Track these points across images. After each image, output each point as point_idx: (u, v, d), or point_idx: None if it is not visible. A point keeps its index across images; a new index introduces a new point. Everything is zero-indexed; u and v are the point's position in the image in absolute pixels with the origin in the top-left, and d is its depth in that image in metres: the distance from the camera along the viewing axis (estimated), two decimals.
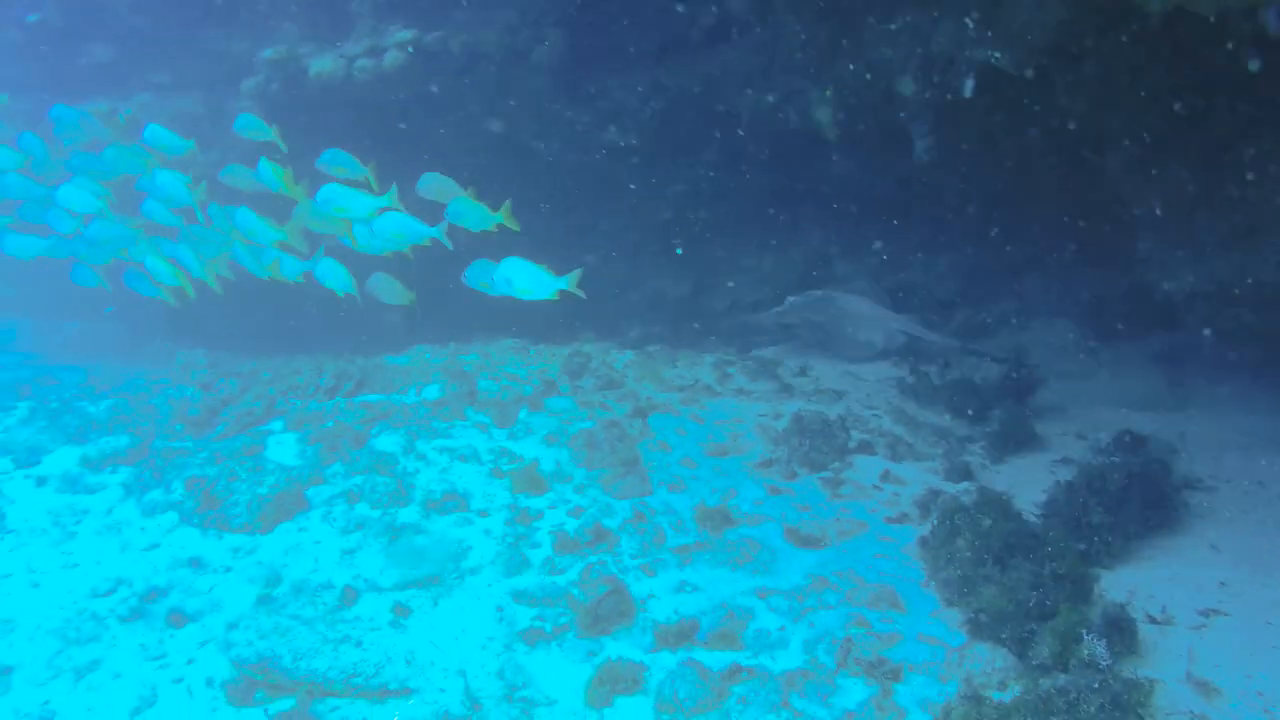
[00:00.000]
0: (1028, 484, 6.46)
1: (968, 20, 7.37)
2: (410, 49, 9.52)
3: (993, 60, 7.23)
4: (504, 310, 12.00)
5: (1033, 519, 5.53)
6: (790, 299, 10.44)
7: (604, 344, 10.85)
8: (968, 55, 7.61)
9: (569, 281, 5.26)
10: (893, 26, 8.61)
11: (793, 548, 5.77)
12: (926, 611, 5.05)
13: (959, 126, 8.58)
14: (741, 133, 11.12)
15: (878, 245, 11.86)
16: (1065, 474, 6.22)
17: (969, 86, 7.75)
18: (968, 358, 9.69)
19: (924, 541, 5.47)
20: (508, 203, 6.13)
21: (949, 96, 8.09)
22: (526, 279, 5.36)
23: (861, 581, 5.32)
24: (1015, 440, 7.46)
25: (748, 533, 5.93)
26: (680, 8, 10.63)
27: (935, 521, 5.44)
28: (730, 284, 12.52)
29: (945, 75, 7.97)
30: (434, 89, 10.07)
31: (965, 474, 6.85)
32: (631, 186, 11.90)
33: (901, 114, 8.71)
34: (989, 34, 7.24)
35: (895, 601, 5.10)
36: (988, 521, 5.05)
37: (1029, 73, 7.28)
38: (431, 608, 4.98)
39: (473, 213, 6.11)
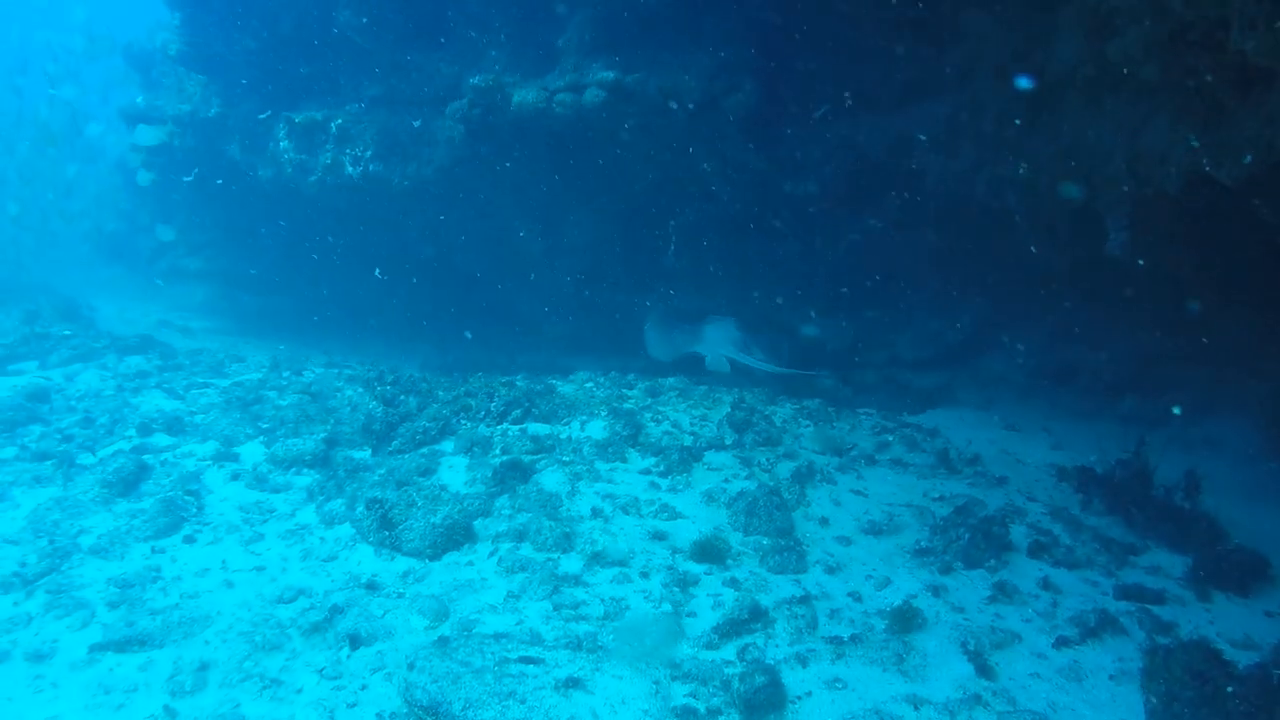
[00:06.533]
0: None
1: (1185, 123, 7.14)
2: (610, 89, 9.79)
3: (1205, 169, 6.97)
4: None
5: None
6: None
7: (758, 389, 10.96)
8: (1179, 156, 7.36)
9: None
10: (1099, 113, 8.40)
11: (946, 654, 5.73)
12: None
13: (1158, 223, 8.28)
14: (922, 195, 11.01)
15: (1046, 321, 11.60)
16: None
17: (1177, 187, 7.48)
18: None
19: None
20: None
21: (1153, 193, 7.83)
22: None
23: (1014, 705, 5.25)
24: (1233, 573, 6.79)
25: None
26: (875, 67, 10.61)
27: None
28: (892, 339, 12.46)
29: (1153, 172, 7.72)
30: (627, 126, 10.34)
31: (1129, 594, 6.64)
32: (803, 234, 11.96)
33: (1097, 203, 8.47)
34: (1205, 141, 6.99)
35: None
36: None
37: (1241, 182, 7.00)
38: (593, 671, 5.16)
39: None
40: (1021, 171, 9.11)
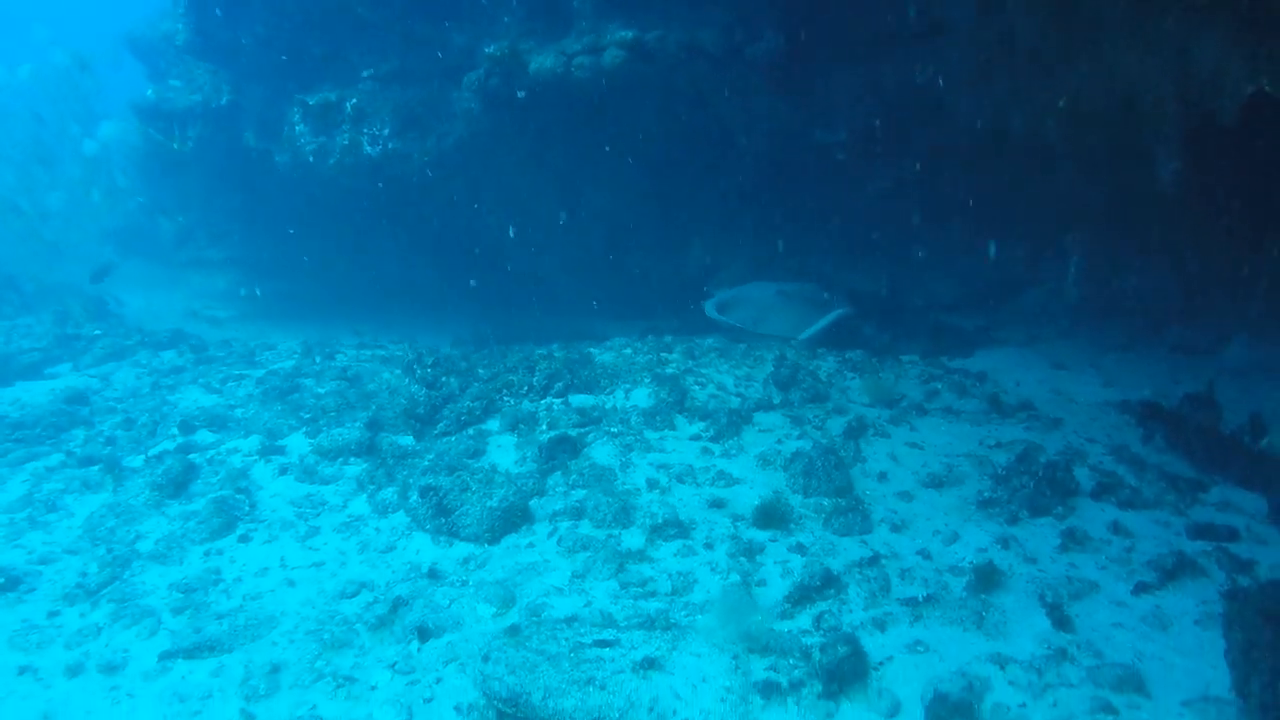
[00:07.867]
0: None
1: (1241, 40, 6.85)
2: (629, 48, 9.53)
3: (1265, 89, 6.70)
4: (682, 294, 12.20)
5: None
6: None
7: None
8: (1235, 78, 7.07)
9: None
10: (1143, 35, 8.09)
11: (1024, 609, 5.60)
12: (1177, 700, 4.83)
13: (1212, 151, 8.00)
14: (953, 133, 10.73)
15: (1087, 254, 11.34)
16: None
17: (1232, 111, 7.20)
18: None
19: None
20: None
21: (1206, 120, 7.54)
22: None
23: (1101, 658, 5.13)
24: None
25: None
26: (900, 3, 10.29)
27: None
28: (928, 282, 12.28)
29: (1205, 95, 7.43)
30: (649, 84, 10.08)
31: (1202, 533, 6.48)
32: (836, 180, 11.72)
33: (1144, 133, 8.18)
34: (1264, 58, 6.71)
35: (1141, 686, 4.90)
36: None
37: None
38: (669, 650, 5.07)
39: None
40: (1061, 104, 8.81)
